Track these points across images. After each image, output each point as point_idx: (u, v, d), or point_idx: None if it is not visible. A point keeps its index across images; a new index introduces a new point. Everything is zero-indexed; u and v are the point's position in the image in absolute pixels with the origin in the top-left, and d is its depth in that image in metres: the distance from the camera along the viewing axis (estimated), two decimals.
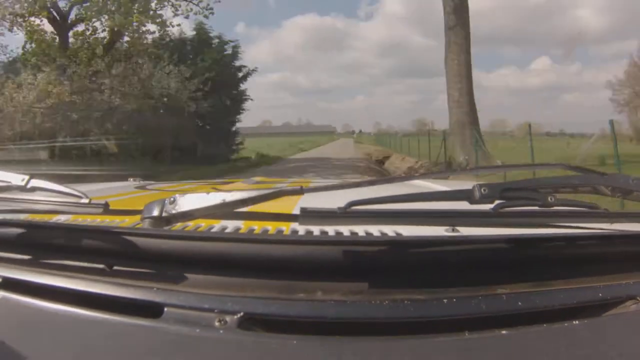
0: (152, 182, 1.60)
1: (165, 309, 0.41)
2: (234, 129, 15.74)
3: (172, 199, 0.52)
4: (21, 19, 9.88)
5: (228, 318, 0.39)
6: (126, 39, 10.84)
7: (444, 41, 11.20)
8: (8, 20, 9.66)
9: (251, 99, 15.54)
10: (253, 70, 15.42)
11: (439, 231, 0.60)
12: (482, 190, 0.50)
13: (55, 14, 10.23)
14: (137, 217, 0.57)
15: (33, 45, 10.54)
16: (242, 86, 15.24)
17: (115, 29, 10.03)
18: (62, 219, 0.69)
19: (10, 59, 10.85)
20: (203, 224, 0.67)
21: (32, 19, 10.00)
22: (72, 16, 10.51)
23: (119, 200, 0.95)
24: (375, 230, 0.63)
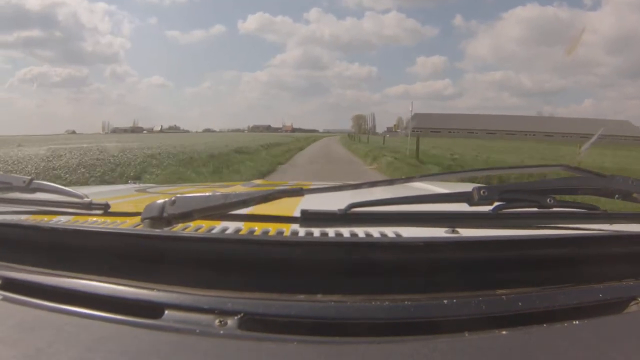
0: (153, 184, 1.60)
1: (166, 310, 0.41)
2: None
3: (172, 200, 0.52)
4: None
5: (228, 319, 0.39)
6: None
7: None
8: None
9: None
10: None
11: (439, 233, 0.60)
12: (481, 192, 0.50)
13: None
14: (138, 219, 0.57)
15: None
16: None
17: None
18: (63, 220, 0.69)
19: None
20: (203, 225, 0.67)
21: None
22: None
23: (119, 202, 0.96)
24: (375, 231, 0.63)
